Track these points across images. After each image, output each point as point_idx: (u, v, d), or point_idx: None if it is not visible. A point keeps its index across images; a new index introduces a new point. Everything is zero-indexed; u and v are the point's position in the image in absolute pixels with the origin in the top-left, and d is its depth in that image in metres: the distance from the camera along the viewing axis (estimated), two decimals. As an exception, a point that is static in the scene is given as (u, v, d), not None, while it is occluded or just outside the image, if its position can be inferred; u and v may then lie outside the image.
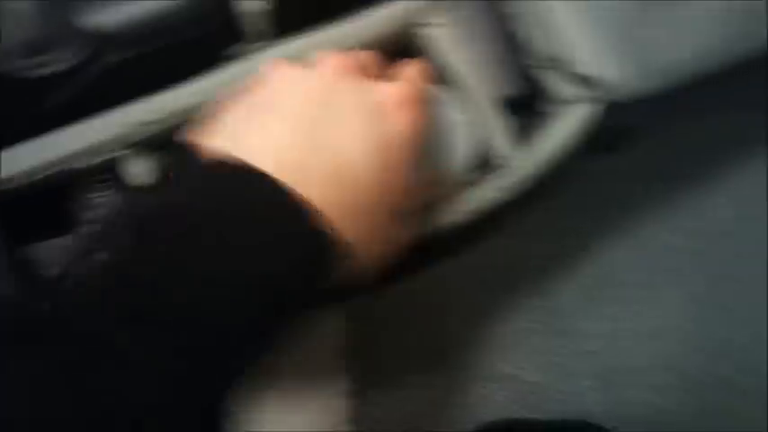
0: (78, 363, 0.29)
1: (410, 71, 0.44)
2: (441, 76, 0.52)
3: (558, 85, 0.52)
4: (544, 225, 0.79)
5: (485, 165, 0.52)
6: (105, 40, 0.50)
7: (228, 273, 0.34)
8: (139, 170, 0.52)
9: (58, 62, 0.49)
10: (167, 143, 0.52)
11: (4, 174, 0.50)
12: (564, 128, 0.51)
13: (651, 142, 0.79)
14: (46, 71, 0.49)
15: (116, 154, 0.52)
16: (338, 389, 0.79)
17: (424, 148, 0.51)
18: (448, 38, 0.51)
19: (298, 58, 0.45)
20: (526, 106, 0.58)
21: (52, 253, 0.52)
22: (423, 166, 0.51)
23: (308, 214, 0.36)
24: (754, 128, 0.80)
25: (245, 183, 0.36)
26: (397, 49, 0.51)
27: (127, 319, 0.31)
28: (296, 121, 0.39)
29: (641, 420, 0.78)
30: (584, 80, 0.50)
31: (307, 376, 0.79)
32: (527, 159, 0.50)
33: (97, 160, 0.52)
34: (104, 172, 0.53)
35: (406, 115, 0.41)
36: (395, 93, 0.41)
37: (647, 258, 0.79)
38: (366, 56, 0.45)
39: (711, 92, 0.79)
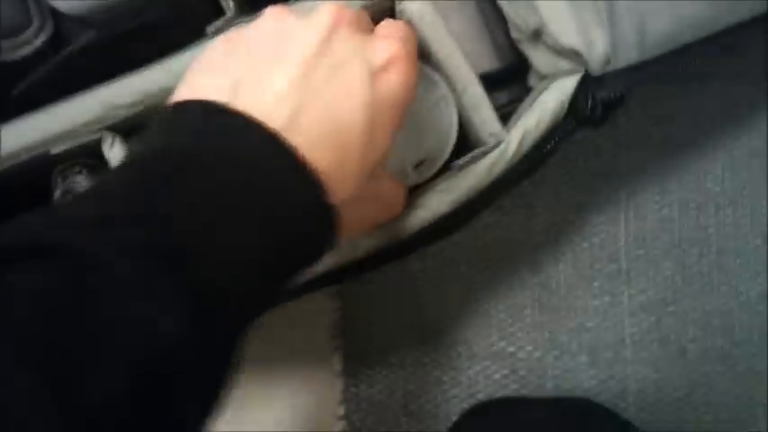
0: (90, 288, 0.29)
1: (394, 28, 0.43)
2: (422, 52, 0.51)
3: (543, 59, 0.51)
4: (538, 200, 0.78)
5: (473, 142, 0.52)
6: (78, 20, 0.49)
7: (234, 211, 0.33)
8: (117, 154, 0.51)
9: (30, 45, 0.48)
10: (145, 125, 0.52)
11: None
12: (549, 101, 0.49)
13: (645, 112, 0.78)
14: (17, 54, 0.48)
15: (93, 137, 0.51)
16: (331, 369, 0.79)
17: (416, 124, 0.50)
18: (429, 12, 0.50)
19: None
20: (512, 81, 0.57)
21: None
22: (415, 143, 0.51)
23: (304, 169, 0.35)
24: (750, 97, 0.78)
25: (243, 132, 0.35)
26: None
27: (140, 252, 0.30)
28: (293, 66, 0.37)
29: (637, 395, 0.78)
30: (569, 52, 0.49)
31: (299, 356, 0.79)
32: (514, 135, 0.49)
33: (74, 144, 0.51)
34: (81, 157, 0.52)
35: (400, 74, 0.39)
36: (390, 49, 0.40)
37: (643, 231, 0.78)
38: (359, 12, 0.43)
39: (704, 60, 0.78)
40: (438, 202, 0.49)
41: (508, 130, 0.50)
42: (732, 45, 0.77)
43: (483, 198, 0.50)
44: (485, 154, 0.49)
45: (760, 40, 0.77)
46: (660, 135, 0.78)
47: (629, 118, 0.78)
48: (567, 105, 0.50)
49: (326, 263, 0.50)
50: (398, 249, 0.51)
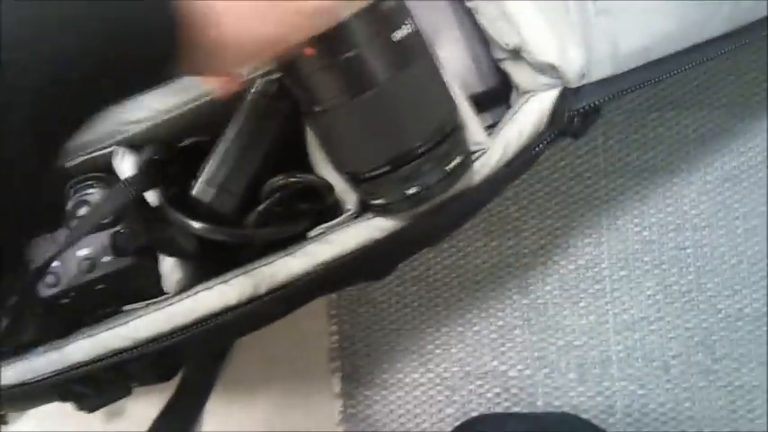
0: None
1: None
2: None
3: (524, 76, 0.53)
4: (525, 224, 0.80)
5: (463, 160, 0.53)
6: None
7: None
8: (126, 166, 0.52)
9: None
10: (152, 140, 0.53)
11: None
12: (530, 113, 0.51)
13: (623, 140, 0.80)
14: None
15: (104, 152, 0.53)
16: (329, 390, 0.79)
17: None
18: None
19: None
20: (495, 103, 0.58)
21: (45, 247, 0.52)
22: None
23: None
24: (722, 124, 0.81)
25: None
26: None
27: None
28: None
29: (624, 410, 0.78)
30: (547, 68, 0.51)
31: (297, 379, 0.79)
32: (497, 143, 0.51)
33: (86, 158, 0.53)
34: (93, 170, 0.54)
35: None
36: None
37: (625, 253, 0.79)
38: None
39: (679, 90, 0.81)
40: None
41: (492, 140, 0.51)
42: (705, 76, 0.80)
43: (475, 197, 0.52)
44: (471, 161, 0.50)
45: (731, 71, 0.80)
46: (637, 162, 0.80)
47: (607, 147, 0.80)
48: (547, 117, 0.51)
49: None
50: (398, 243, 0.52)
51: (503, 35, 0.52)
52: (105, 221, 0.51)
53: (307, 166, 0.53)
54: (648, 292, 0.79)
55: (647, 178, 0.80)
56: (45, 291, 0.51)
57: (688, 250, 0.79)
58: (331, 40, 0.41)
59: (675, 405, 0.78)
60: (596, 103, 0.52)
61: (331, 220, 0.51)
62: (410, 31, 0.44)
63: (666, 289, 0.79)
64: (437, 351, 0.79)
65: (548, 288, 0.79)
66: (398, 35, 0.42)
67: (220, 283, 0.50)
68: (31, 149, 0.31)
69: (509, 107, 0.57)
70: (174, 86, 0.52)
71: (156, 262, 0.52)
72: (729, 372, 0.78)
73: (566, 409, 0.78)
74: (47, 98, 0.31)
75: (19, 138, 0.30)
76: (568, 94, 0.51)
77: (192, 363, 0.75)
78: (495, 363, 0.79)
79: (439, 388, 0.79)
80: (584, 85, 0.51)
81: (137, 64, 0.33)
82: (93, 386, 0.54)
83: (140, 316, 0.51)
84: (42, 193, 0.33)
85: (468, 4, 0.54)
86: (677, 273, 0.79)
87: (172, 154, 0.52)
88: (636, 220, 0.80)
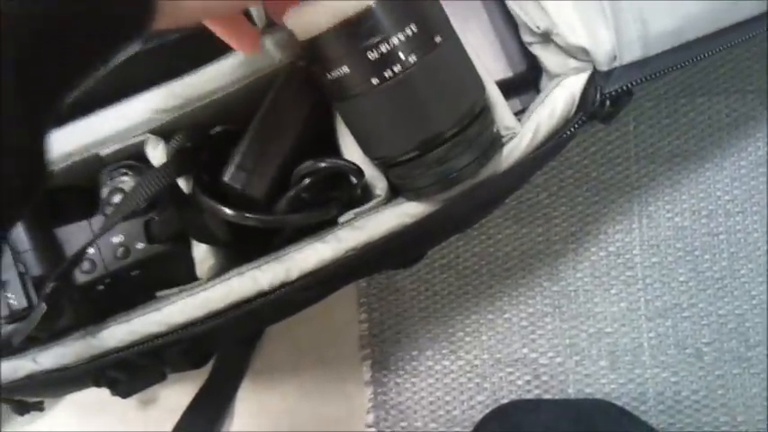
0: None
1: None
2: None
3: (553, 59, 0.53)
4: (555, 211, 0.79)
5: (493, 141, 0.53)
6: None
7: None
8: (159, 154, 0.53)
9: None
10: (184, 129, 0.54)
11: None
12: (560, 97, 0.51)
13: (655, 125, 0.80)
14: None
15: (138, 140, 0.53)
16: (360, 378, 0.80)
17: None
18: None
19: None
20: (523, 89, 0.58)
21: (81, 234, 0.53)
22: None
23: None
24: (755, 109, 0.80)
25: None
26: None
27: None
28: None
29: (656, 398, 0.77)
30: (577, 51, 0.51)
31: (328, 367, 0.80)
32: (527, 127, 0.51)
33: (121, 146, 0.53)
34: (127, 158, 0.55)
35: None
36: None
37: (657, 239, 0.79)
38: None
39: (711, 75, 0.80)
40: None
41: (522, 125, 0.51)
42: (731, 64, 0.79)
43: (505, 182, 0.52)
44: (500, 146, 0.50)
45: (758, 59, 0.79)
46: (669, 147, 0.79)
47: (638, 132, 0.79)
48: (577, 100, 0.51)
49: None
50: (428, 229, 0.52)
51: (532, 19, 0.52)
52: (139, 208, 0.52)
53: (337, 152, 0.53)
54: (681, 279, 0.78)
55: (679, 164, 0.79)
56: (81, 277, 0.52)
57: (721, 236, 0.79)
58: (357, 26, 0.41)
59: (709, 392, 0.77)
60: (627, 86, 0.51)
61: (361, 206, 0.51)
62: (436, 14, 0.44)
63: (699, 275, 0.78)
64: (467, 338, 0.79)
65: (579, 275, 0.79)
66: (425, 19, 0.42)
67: (252, 268, 0.51)
68: (19, 120, 0.30)
69: (538, 92, 0.56)
70: (204, 74, 0.52)
71: (188, 248, 0.53)
72: (763, 359, 0.77)
73: (597, 397, 0.78)
74: (29, 62, 0.29)
75: (8, 106, 0.29)
76: (599, 78, 0.51)
77: (224, 350, 0.76)
78: (525, 350, 0.79)
79: (469, 375, 0.79)
80: (614, 68, 0.51)
81: (112, 17, 0.32)
82: (128, 372, 0.55)
83: (174, 302, 0.51)
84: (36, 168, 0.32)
85: (498, -12, 0.54)
86: (710, 259, 0.78)
87: (203, 141, 0.53)
88: (668, 207, 0.79)
